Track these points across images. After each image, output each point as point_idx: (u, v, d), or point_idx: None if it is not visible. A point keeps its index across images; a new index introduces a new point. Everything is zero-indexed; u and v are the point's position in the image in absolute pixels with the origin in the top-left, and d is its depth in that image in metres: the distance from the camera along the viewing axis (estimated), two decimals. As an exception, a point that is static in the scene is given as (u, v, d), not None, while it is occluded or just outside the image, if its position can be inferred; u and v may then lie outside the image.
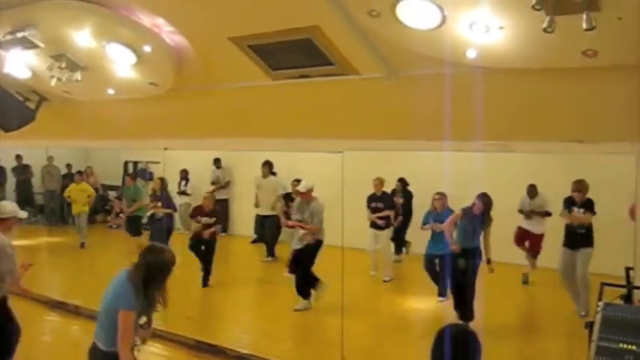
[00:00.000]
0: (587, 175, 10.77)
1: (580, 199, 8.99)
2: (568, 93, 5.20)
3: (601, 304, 4.95)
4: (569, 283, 8.98)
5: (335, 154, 7.15)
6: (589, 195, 9.14)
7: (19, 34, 6.98)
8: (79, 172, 16.12)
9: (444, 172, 10.05)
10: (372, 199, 11.45)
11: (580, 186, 9.03)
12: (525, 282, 11.03)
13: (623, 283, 5.47)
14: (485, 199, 8.52)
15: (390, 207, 11.34)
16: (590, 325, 4.87)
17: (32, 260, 6.24)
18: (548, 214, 10.61)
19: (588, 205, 8.99)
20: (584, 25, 4.02)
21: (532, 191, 11.04)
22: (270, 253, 13.33)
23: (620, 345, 4.58)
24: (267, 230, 13.47)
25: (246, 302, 10.55)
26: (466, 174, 10.18)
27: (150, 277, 4.34)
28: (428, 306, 9.50)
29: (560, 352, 8.00)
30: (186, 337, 7.90)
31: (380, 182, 11.51)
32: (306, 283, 9.32)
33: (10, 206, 6.15)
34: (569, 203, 9.11)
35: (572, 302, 8.91)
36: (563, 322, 8.86)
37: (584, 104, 5.20)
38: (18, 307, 6.15)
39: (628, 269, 5.50)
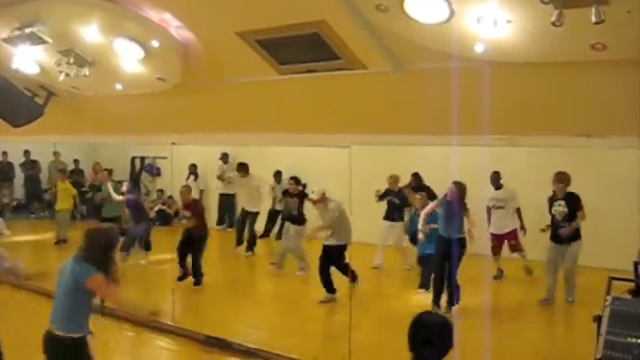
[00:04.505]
0: (595, 170, 10.76)
1: (560, 191, 8.87)
2: (576, 87, 5.19)
3: (609, 298, 4.94)
4: (553, 275, 9.04)
5: (342, 149, 7.16)
6: (597, 190, 9.07)
7: (28, 30, 7.00)
8: (62, 171, 15.98)
9: (452, 166, 10.04)
10: (387, 193, 11.59)
11: (560, 177, 8.88)
12: (498, 277, 10.70)
13: (632, 277, 5.46)
14: (459, 186, 8.58)
15: (406, 203, 11.39)
16: (598, 319, 4.87)
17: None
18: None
19: (569, 199, 8.84)
20: (593, 19, 4.02)
21: (495, 180, 10.58)
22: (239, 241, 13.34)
23: (629, 339, 4.58)
24: (249, 225, 13.34)
25: (252, 297, 10.56)
26: (474, 168, 10.18)
27: (101, 254, 4.68)
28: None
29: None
30: (195, 332, 7.92)
31: (395, 179, 11.57)
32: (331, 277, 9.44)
33: None
34: (551, 200, 9.01)
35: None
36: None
37: (592, 98, 5.19)
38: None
39: (636, 263, 5.47)
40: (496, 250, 10.58)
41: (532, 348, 7.53)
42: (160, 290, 9.88)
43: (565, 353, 7.50)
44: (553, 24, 4.16)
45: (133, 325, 8.38)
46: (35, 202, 18.50)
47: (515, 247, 10.63)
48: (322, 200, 9.31)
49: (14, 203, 18.35)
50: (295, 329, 8.34)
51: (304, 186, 11.72)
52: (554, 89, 5.33)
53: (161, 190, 16.87)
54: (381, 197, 11.49)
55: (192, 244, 10.39)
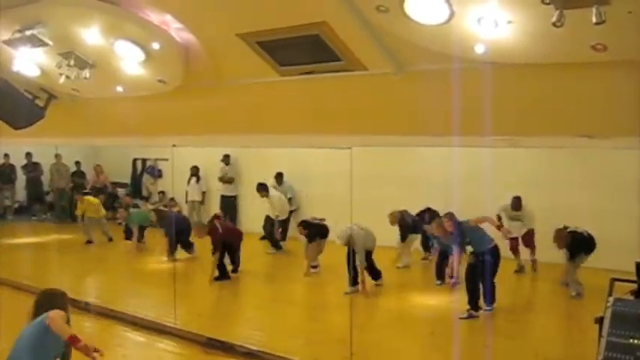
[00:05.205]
0: (597, 171, 10.74)
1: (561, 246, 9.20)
2: (577, 87, 5.17)
3: (611, 299, 4.92)
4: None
5: (343, 150, 7.15)
6: (598, 190, 9.07)
7: (28, 32, 7.00)
8: (81, 186, 16.58)
9: (453, 167, 10.04)
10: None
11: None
12: (520, 271, 10.87)
13: (633, 278, 5.43)
14: (451, 216, 8.77)
15: (414, 230, 11.63)
16: (600, 321, 4.85)
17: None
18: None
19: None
20: (594, 19, 4.01)
21: (516, 204, 10.80)
22: (277, 246, 13.69)
23: (631, 340, 4.57)
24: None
25: (255, 298, 10.54)
26: (475, 169, 10.16)
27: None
28: (439, 302, 9.42)
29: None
30: (197, 334, 7.91)
31: (392, 217, 11.60)
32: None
33: None
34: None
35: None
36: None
37: (593, 99, 5.18)
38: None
39: (638, 264, 5.46)
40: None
41: (531, 349, 7.51)
42: (161, 292, 9.86)
43: (566, 355, 7.49)
44: (554, 24, 4.15)
45: (134, 328, 8.37)
46: (37, 204, 18.51)
47: (516, 249, 10.77)
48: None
49: (16, 205, 18.37)
50: (297, 330, 8.33)
51: (315, 225, 11.41)
52: (555, 90, 5.32)
53: (162, 192, 16.88)
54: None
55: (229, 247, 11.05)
